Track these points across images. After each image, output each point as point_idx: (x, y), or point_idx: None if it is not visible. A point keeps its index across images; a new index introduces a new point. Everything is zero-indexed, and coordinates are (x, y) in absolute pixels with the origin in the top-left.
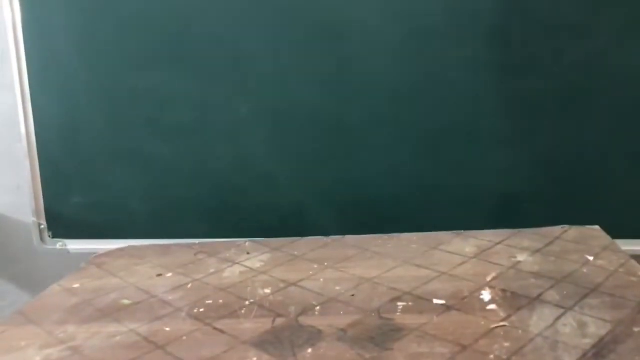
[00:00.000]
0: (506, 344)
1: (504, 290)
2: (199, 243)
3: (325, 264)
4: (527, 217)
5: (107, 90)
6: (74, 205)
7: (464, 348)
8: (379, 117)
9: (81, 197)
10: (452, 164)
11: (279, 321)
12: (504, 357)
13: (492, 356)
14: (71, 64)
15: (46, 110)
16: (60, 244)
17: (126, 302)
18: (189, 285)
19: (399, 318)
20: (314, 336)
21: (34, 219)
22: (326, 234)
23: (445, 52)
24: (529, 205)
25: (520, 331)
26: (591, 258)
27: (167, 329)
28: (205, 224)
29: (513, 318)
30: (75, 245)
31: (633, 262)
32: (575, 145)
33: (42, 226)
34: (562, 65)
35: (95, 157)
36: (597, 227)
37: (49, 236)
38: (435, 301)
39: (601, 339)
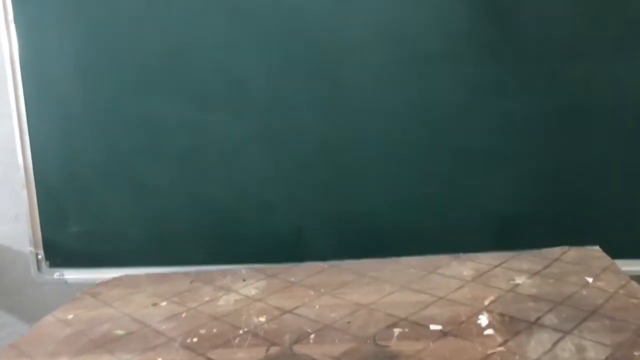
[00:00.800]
0: None
1: (501, 314)
2: (195, 271)
3: (322, 290)
4: (526, 238)
5: (103, 119)
6: (72, 235)
7: None
8: (376, 141)
9: (78, 226)
10: (450, 186)
11: (273, 350)
12: None
13: None
14: (68, 93)
15: (43, 140)
16: (58, 273)
17: (120, 332)
18: (184, 315)
19: (395, 345)
20: None
21: (31, 248)
22: (325, 259)
23: (442, 75)
24: (528, 227)
25: (517, 356)
26: (591, 280)
27: (160, 359)
28: (203, 251)
29: (510, 343)
30: (73, 275)
31: (633, 283)
32: (574, 166)
33: (40, 256)
34: (557, 85)
35: (93, 186)
36: (597, 247)
37: (46, 266)
38: (432, 327)
39: None
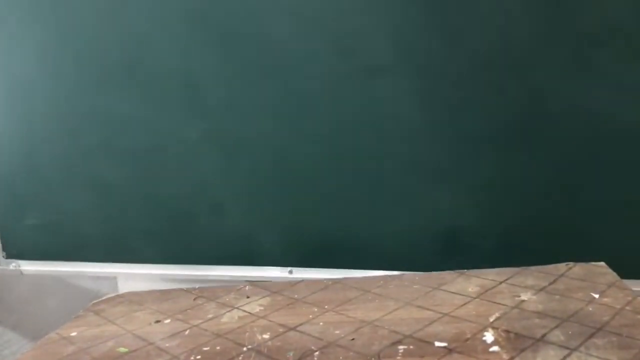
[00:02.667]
0: None
1: (507, 331)
2: (198, 287)
3: (326, 307)
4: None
5: (63, 115)
6: (29, 227)
7: None
8: (331, 147)
9: (36, 219)
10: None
11: None
12: None
13: None
14: (28, 88)
15: (4, 133)
16: (14, 264)
17: (123, 350)
18: (187, 332)
19: None
20: None
21: None
22: (274, 264)
23: (393, 88)
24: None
25: None
26: (597, 296)
27: None
28: (156, 248)
29: None
30: (29, 267)
31: None
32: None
33: None
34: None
35: (51, 180)
36: (602, 263)
37: (3, 256)
38: (437, 344)
39: None
